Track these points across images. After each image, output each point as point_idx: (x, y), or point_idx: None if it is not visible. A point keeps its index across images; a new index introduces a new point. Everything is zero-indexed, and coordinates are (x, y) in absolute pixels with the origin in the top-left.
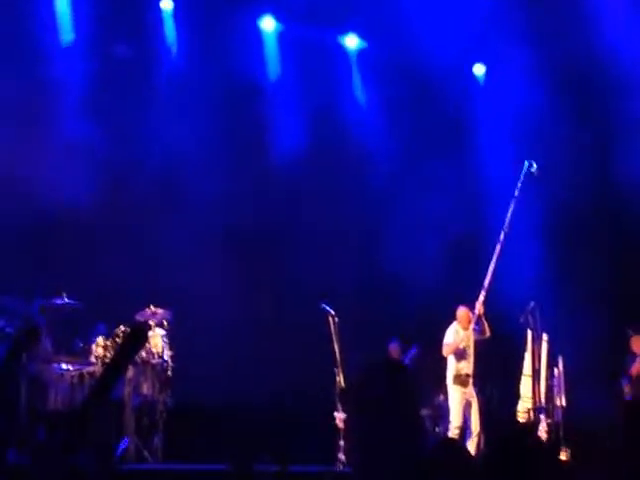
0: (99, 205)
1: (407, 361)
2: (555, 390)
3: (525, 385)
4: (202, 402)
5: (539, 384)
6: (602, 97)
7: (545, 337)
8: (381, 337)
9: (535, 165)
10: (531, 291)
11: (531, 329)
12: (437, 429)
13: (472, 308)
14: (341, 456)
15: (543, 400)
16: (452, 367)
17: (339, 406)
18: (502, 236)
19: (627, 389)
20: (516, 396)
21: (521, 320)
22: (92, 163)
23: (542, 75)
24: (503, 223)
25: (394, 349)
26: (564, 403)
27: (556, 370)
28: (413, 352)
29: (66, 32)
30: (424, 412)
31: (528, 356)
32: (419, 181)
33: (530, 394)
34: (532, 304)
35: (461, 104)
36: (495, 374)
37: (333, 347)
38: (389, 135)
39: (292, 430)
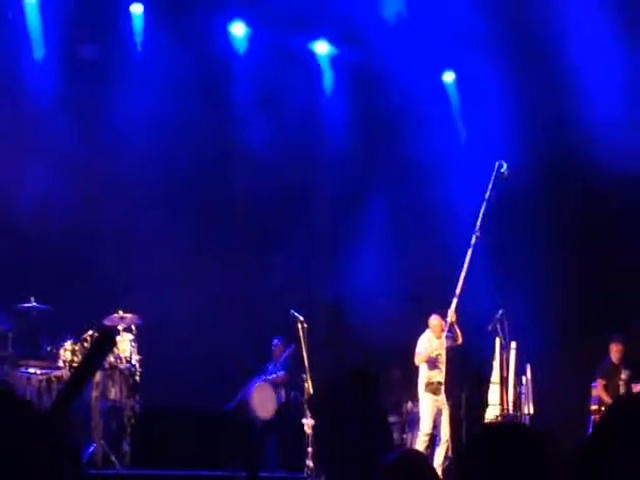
0: (70, 208)
1: (285, 358)
2: (523, 398)
3: (493, 393)
4: (170, 407)
5: (507, 392)
6: (572, 99)
7: (513, 345)
8: (349, 345)
9: (505, 165)
10: (499, 299)
11: (499, 337)
12: (405, 436)
13: (444, 316)
14: (309, 462)
15: (511, 408)
16: (424, 375)
17: (307, 412)
18: (473, 240)
19: (595, 392)
20: (484, 404)
21: (489, 328)
22: (63, 165)
23: (513, 84)
24: (474, 227)
25: (277, 346)
26: (532, 411)
27: (524, 378)
28: (290, 350)
29: (37, 47)
30: (393, 419)
31: (496, 364)
32: (391, 183)
33: (498, 402)
34: (500, 312)
35: (431, 109)
36: (463, 382)
37: (302, 353)
38: (358, 139)
39: (261, 436)
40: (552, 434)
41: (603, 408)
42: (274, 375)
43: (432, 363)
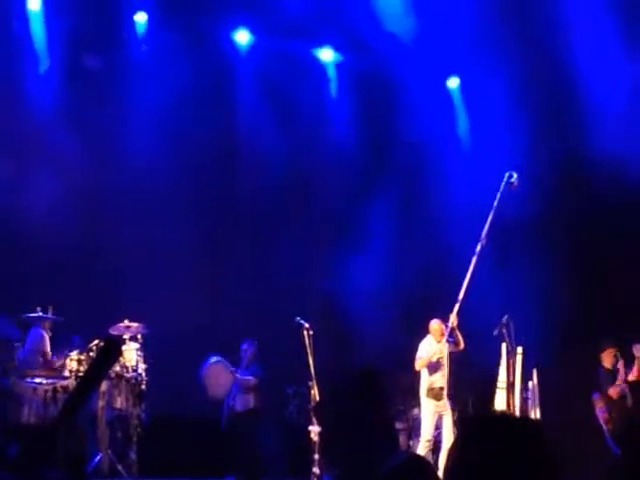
0: (76, 218)
1: (253, 364)
2: (529, 403)
3: (500, 398)
4: (176, 416)
5: (513, 397)
6: (576, 112)
7: (519, 350)
8: (355, 351)
9: (515, 175)
10: (505, 304)
11: (505, 342)
12: (411, 443)
13: (445, 321)
14: (315, 470)
15: (518, 413)
16: (425, 380)
17: (314, 420)
18: (479, 247)
19: (599, 404)
20: (490, 409)
21: (495, 333)
22: (69, 174)
23: (517, 89)
24: (479, 232)
25: (247, 351)
26: (538, 416)
27: (530, 383)
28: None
29: (42, 57)
30: (399, 426)
31: (502, 369)
32: (395, 188)
33: (505, 407)
34: (506, 317)
35: (435, 115)
36: (469, 387)
37: (308, 360)
38: (362, 144)
39: (266, 444)
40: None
41: (614, 415)
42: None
43: (433, 368)
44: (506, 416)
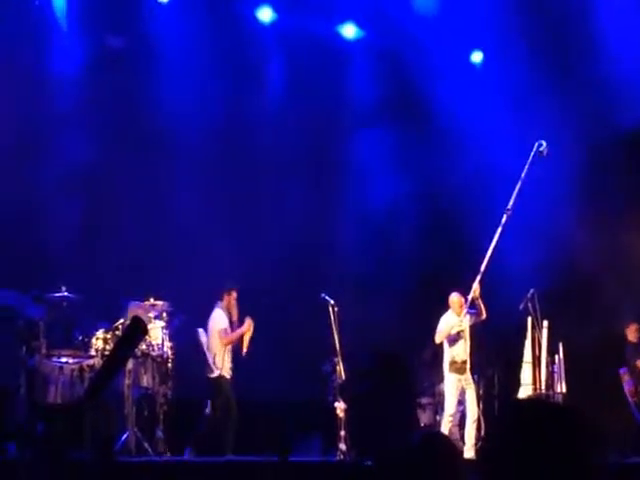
0: (97, 196)
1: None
2: (555, 377)
3: (526, 372)
4: (203, 394)
5: (540, 371)
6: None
7: (545, 324)
8: (380, 326)
9: (545, 144)
10: (531, 278)
11: (531, 316)
12: (438, 417)
13: (466, 293)
14: (342, 446)
15: (544, 387)
16: (447, 354)
17: (339, 396)
18: (504, 218)
19: (625, 377)
20: (517, 383)
21: (521, 307)
22: (84, 153)
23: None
24: (506, 205)
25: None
26: (564, 390)
27: (556, 357)
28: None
29: (64, 34)
30: (425, 401)
31: (528, 343)
32: (420, 160)
33: (531, 381)
34: (532, 291)
35: (458, 91)
36: (496, 361)
37: (333, 337)
38: (385, 119)
39: (292, 421)
40: (585, 412)
41: None
42: None
43: (454, 341)
44: (552, 404)
